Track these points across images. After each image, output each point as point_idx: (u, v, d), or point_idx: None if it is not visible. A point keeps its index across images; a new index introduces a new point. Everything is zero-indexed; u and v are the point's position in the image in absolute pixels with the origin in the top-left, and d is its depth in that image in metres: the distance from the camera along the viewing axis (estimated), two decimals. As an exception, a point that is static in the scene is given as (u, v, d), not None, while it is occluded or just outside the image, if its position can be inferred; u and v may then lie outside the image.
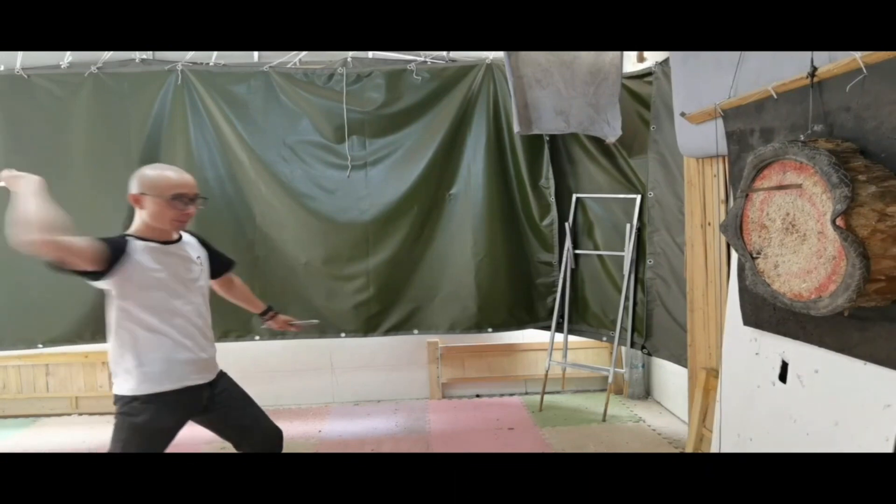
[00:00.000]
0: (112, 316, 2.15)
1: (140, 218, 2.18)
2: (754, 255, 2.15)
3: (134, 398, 2.11)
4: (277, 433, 2.39)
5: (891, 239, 1.70)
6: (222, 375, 2.35)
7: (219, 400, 2.28)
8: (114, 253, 2.07)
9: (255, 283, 4.17)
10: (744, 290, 2.42)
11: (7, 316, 4.10)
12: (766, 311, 2.30)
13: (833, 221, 1.73)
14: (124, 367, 2.14)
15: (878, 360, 1.84)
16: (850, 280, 1.74)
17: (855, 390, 1.91)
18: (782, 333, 2.24)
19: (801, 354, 2.15)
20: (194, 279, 2.28)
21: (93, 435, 4.16)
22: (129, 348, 2.13)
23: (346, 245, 4.21)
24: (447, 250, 4.30)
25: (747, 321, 2.45)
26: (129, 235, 2.17)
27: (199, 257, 2.34)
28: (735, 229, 2.22)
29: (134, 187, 2.17)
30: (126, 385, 2.13)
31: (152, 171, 2.19)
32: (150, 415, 2.10)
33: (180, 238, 2.30)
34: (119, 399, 2.14)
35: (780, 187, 1.99)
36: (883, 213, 1.70)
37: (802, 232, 1.94)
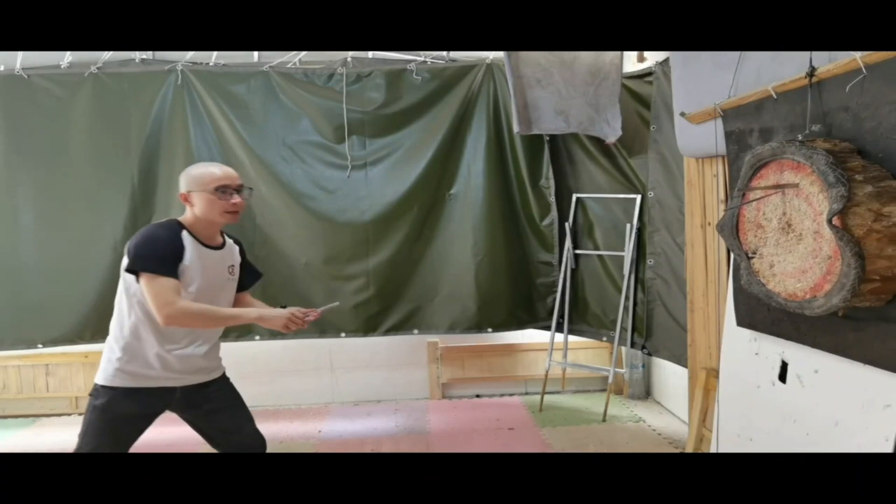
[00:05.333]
0: (125, 305, 2.16)
1: (192, 213, 2.21)
2: (750, 255, 2.15)
3: (102, 387, 2.14)
4: (260, 442, 2.36)
5: (886, 239, 1.70)
6: (219, 377, 2.34)
7: (205, 400, 2.27)
8: (177, 265, 2.13)
9: (255, 283, 4.18)
10: (739, 291, 2.43)
11: (7, 316, 4.10)
12: (761, 312, 2.30)
13: (829, 221, 1.73)
14: (109, 356, 2.17)
15: (872, 361, 1.84)
16: (845, 280, 1.74)
17: (855, 390, 1.91)
18: (776, 334, 2.24)
19: (801, 354, 2.15)
20: (222, 288, 2.29)
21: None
22: (119, 340, 2.16)
23: (346, 245, 4.21)
24: (447, 250, 4.30)
25: (741, 322, 2.45)
26: (183, 226, 2.20)
27: (232, 266, 2.35)
28: (731, 229, 2.22)
29: (181, 186, 2.22)
30: (101, 374, 2.16)
31: (195, 169, 2.26)
32: (108, 399, 2.13)
33: (223, 244, 2.32)
34: (94, 387, 2.17)
35: (777, 187, 1.99)
36: (879, 213, 1.70)
37: (798, 231, 1.94)
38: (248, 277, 2.47)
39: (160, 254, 2.09)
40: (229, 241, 2.38)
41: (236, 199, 2.24)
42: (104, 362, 2.17)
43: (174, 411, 2.28)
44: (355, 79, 4.18)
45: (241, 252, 2.44)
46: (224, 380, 2.37)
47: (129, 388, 2.14)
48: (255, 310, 2.26)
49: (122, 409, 2.14)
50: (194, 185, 2.20)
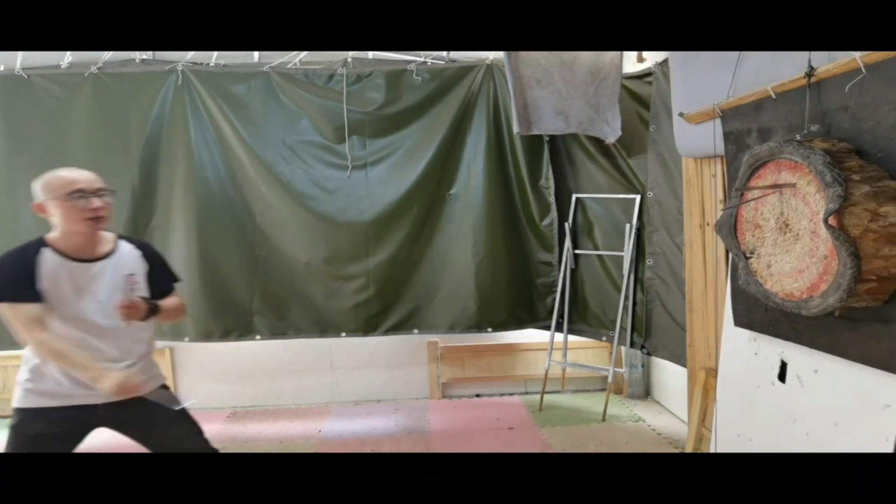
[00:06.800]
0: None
1: (56, 226, 2.06)
2: (748, 255, 2.16)
3: (14, 408, 2.09)
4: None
5: (883, 239, 1.70)
6: (152, 392, 2.18)
7: (136, 416, 2.14)
8: (33, 287, 1.99)
9: (256, 282, 4.19)
10: (736, 291, 2.43)
11: (7, 316, 4.10)
12: (758, 312, 2.30)
13: (825, 220, 1.73)
14: (19, 377, 2.11)
15: (869, 361, 1.84)
16: (841, 279, 1.74)
17: (855, 390, 1.91)
18: (774, 334, 2.24)
19: (801, 354, 2.15)
20: (113, 297, 2.10)
21: (92, 435, 4.15)
22: (27, 361, 2.10)
23: (346, 245, 4.21)
24: (447, 250, 4.30)
25: (739, 322, 2.45)
26: (45, 245, 2.05)
27: (131, 275, 2.17)
28: (729, 229, 2.22)
29: (35, 197, 2.06)
30: (14, 396, 2.10)
31: (47, 176, 2.07)
32: (19, 420, 2.08)
33: (108, 254, 2.15)
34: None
35: (775, 186, 2.00)
36: (876, 213, 1.69)
37: (795, 231, 1.94)
38: (160, 285, 2.25)
39: (5, 279, 1.97)
40: (125, 249, 2.20)
41: (95, 202, 2.05)
42: (16, 384, 2.11)
43: (109, 428, 2.17)
44: (355, 79, 4.19)
45: (148, 257, 2.25)
46: (161, 394, 2.21)
47: (39, 409, 2.06)
48: (98, 368, 2.02)
49: (34, 429, 2.06)
50: (47, 194, 2.02)
